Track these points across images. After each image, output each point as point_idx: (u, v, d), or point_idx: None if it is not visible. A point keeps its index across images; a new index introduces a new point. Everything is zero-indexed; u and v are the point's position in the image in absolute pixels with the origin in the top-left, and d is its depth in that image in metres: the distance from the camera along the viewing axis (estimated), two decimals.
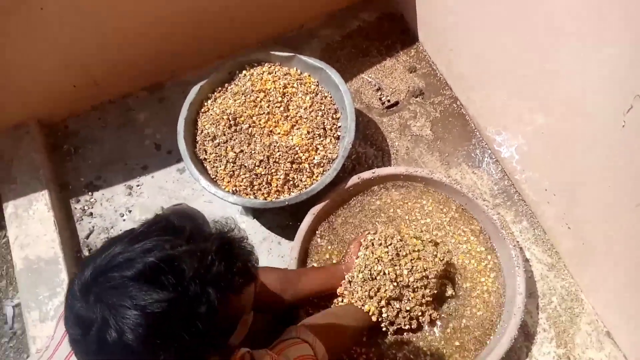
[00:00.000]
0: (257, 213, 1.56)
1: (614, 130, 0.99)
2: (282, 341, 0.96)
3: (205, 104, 1.50)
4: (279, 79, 1.49)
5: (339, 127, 1.47)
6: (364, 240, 1.28)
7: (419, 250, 1.25)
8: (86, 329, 0.57)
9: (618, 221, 1.13)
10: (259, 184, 1.38)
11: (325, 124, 1.45)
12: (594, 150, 1.09)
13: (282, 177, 1.37)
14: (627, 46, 0.89)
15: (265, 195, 1.38)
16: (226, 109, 1.44)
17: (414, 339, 1.26)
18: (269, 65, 1.53)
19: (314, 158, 1.41)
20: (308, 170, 1.41)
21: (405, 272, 1.21)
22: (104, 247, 0.62)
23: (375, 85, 1.72)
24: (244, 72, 1.52)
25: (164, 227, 0.63)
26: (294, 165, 1.39)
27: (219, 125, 1.42)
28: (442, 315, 1.28)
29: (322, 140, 1.44)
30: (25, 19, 1.34)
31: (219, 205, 1.57)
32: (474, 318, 1.28)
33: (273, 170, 1.37)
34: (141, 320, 0.55)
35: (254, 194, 1.39)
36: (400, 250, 1.24)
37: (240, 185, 1.39)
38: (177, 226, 0.63)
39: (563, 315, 1.37)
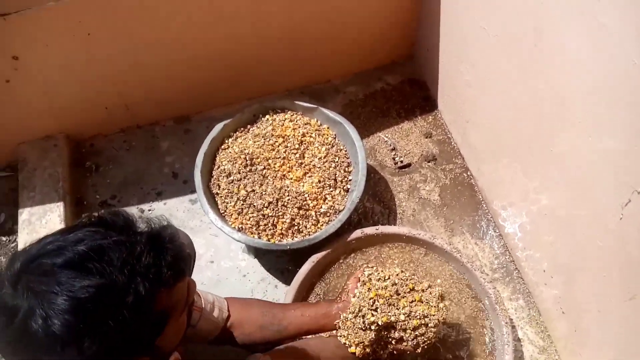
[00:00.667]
0: (259, 253, 1.59)
1: (612, 221, 1.02)
2: None
3: (226, 141, 1.56)
4: (299, 127, 1.56)
5: (350, 180, 1.52)
6: (362, 275, 1.18)
7: (422, 291, 1.14)
8: (11, 318, 0.57)
9: (611, 312, 1.13)
10: (265, 225, 1.42)
11: (337, 175, 1.50)
12: (593, 238, 1.11)
13: (288, 221, 1.41)
14: (628, 141, 0.93)
15: (269, 237, 1.42)
16: (245, 149, 1.51)
17: None
18: (292, 113, 1.60)
19: (321, 207, 1.46)
20: (314, 218, 1.45)
21: (402, 317, 1.09)
22: (37, 241, 0.63)
23: (390, 145, 1.78)
24: (267, 116, 1.59)
25: (96, 221, 0.65)
26: (301, 211, 1.43)
27: (235, 163, 1.48)
28: None
29: (331, 191, 1.48)
30: (72, 42, 1.44)
31: (223, 240, 1.61)
32: None
33: (280, 213, 1.42)
34: (69, 305, 0.56)
35: (259, 234, 1.42)
36: (400, 287, 1.13)
37: (247, 224, 1.43)
38: (109, 220, 0.65)
39: None
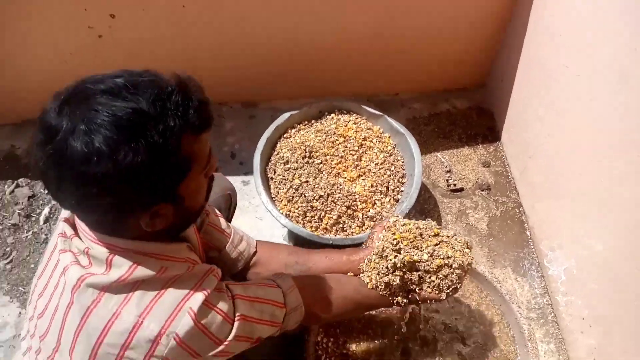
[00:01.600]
0: (299, 243, 1.61)
1: None
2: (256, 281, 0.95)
3: (289, 131, 1.61)
4: (362, 130, 1.59)
5: (402, 191, 1.53)
6: (387, 222, 1.12)
7: (449, 237, 1.07)
8: (51, 136, 0.63)
9: None
10: (312, 216, 1.45)
11: (390, 183, 1.51)
12: None
13: (334, 217, 1.44)
14: None
15: (314, 229, 1.45)
16: (306, 141, 1.55)
17: None
18: (357, 116, 1.63)
19: (369, 210, 1.47)
20: (360, 219, 1.47)
21: (425, 256, 1.02)
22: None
23: (446, 167, 1.78)
24: (333, 115, 1.63)
25: (131, 70, 0.69)
26: (348, 211, 1.45)
27: (295, 152, 1.52)
28: None
29: (381, 197, 1.50)
30: (167, 10, 1.53)
31: (268, 224, 1.65)
32: None
33: (329, 209, 1.44)
34: (108, 122, 0.62)
35: (304, 224, 1.46)
36: (424, 232, 1.08)
37: (295, 212, 1.46)
38: (143, 70, 0.70)
39: None
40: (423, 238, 1.07)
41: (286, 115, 1.60)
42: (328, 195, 1.45)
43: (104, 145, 0.61)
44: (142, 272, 0.74)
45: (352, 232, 1.45)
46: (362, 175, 1.54)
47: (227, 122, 1.89)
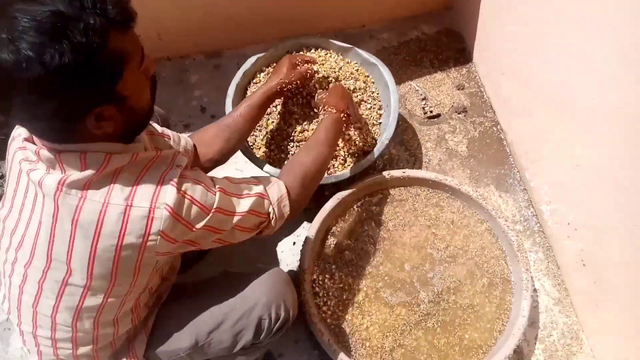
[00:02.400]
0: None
1: None
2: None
3: (258, 76, 1.56)
4: (333, 65, 1.54)
5: (380, 123, 1.51)
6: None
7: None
8: None
9: (636, 267, 1.13)
10: None
11: (368, 116, 1.49)
12: (628, 189, 1.11)
13: None
14: None
15: None
16: None
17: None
18: (326, 52, 1.58)
19: (350, 148, 1.46)
20: (342, 157, 1.45)
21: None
22: None
23: (421, 95, 1.77)
24: (301, 53, 1.57)
25: None
26: None
27: None
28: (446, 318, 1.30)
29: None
30: None
31: (249, 174, 1.62)
32: (474, 329, 1.29)
33: None
34: (29, 25, 0.62)
35: None
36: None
37: (274, 157, 1.44)
38: None
39: (560, 351, 1.37)
40: None
41: (253, 59, 1.54)
42: (305, 138, 1.43)
43: (30, 50, 0.62)
44: (117, 160, 0.77)
45: (335, 170, 1.44)
46: None
47: (192, 75, 1.82)
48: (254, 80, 1.55)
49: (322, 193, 1.50)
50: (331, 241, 1.41)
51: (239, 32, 1.78)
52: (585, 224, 1.31)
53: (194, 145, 1.14)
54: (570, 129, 1.29)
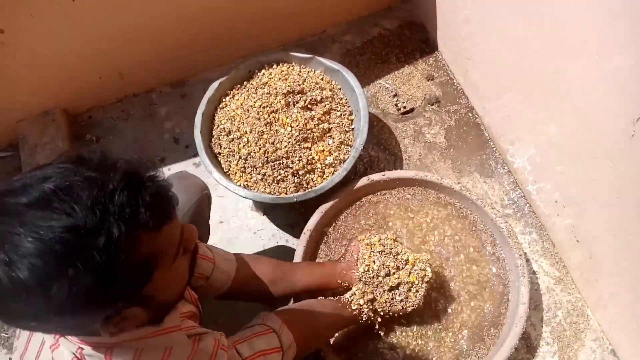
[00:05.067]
0: (267, 209, 1.58)
1: (623, 140, 0.99)
2: (248, 328, 0.95)
3: (224, 100, 1.53)
4: (297, 78, 1.52)
5: (352, 129, 1.49)
6: (368, 239, 1.24)
7: (420, 260, 1.20)
8: None
9: (626, 235, 1.11)
10: (271, 180, 1.40)
11: (340, 124, 1.47)
12: (604, 160, 1.09)
13: (292, 174, 1.40)
14: (635, 55, 0.89)
15: (275, 192, 1.41)
16: (243, 105, 1.48)
17: (409, 342, 1.26)
18: (288, 66, 1.56)
19: (326, 158, 1.43)
20: (320, 170, 1.43)
21: (412, 278, 1.18)
22: (6, 181, 0.58)
23: (392, 92, 1.74)
24: (263, 71, 1.55)
25: (70, 159, 0.59)
26: (307, 166, 1.41)
27: (234, 121, 1.46)
28: (442, 321, 1.28)
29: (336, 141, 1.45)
30: (57, 10, 1.40)
31: (230, 200, 1.61)
32: (475, 325, 1.27)
33: (284, 169, 1.40)
34: (33, 248, 0.51)
35: (264, 189, 1.41)
36: (399, 253, 1.21)
37: (251, 180, 1.42)
38: (84, 157, 0.59)
39: (567, 330, 1.35)
40: (398, 258, 1.20)
41: (215, 84, 1.52)
42: (279, 157, 1.40)
43: (32, 279, 0.51)
44: (148, 359, 0.68)
45: (315, 184, 1.42)
46: (309, 124, 1.48)
47: (160, 108, 1.79)
48: (220, 105, 1.53)
49: (309, 210, 1.46)
50: (322, 255, 1.39)
51: (199, 57, 1.75)
52: (570, 200, 1.29)
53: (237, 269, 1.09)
54: (540, 108, 1.27)
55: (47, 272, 0.51)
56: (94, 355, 0.66)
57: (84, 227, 0.52)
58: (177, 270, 0.68)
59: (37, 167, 0.59)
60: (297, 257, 1.33)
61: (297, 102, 1.48)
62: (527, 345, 1.34)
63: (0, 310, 0.56)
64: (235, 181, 1.43)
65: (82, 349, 0.66)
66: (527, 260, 1.41)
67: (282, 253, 1.52)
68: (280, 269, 1.15)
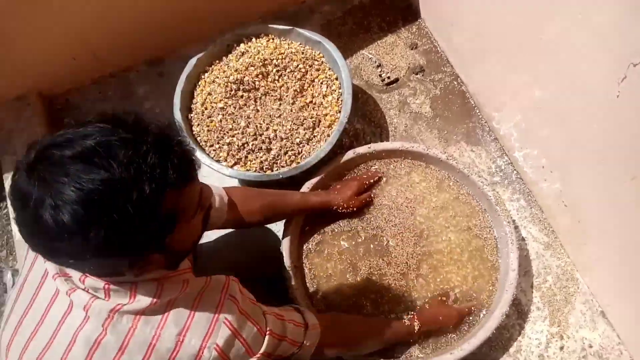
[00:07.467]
0: (251, 185, 1.56)
1: (607, 101, 0.97)
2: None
3: (203, 76, 1.49)
4: (278, 50, 1.48)
5: (338, 99, 1.45)
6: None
7: None
8: (25, 203, 0.61)
9: (612, 197, 1.11)
10: (255, 157, 1.38)
11: (329, 98, 1.44)
12: (589, 122, 1.07)
13: (276, 150, 1.37)
14: (618, 14, 0.87)
15: (259, 169, 1.38)
16: (222, 81, 1.44)
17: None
18: (267, 38, 1.52)
19: (311, 132, 1.41)
20: (305, 144, 1.40)
21: None
22: (52, 134, 0.65)
23: (375, 62, 1.71)
24: (242, 44, 1.51)
25: (107, 119, 0.65)
26: (291, 140, 1.38)
27: (214, 97, 1.42)
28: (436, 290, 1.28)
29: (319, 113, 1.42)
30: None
31: (215, 180, 1.57)
32: (465, 294, 1.27)
33: (266, 145, 1.37)
34: (76, 196, 0.58)
35: (249, 167, 1.39)
36: None
37: (235, 158, 1.39)
38: (120, 117, 0.66)
39: (558, 295, 1.36)
40: None
41: (193, 60, 1.47)
42: (262, 133, 1.37)
43: (73, 223, 0.59)
44: (169, 291, 0.77)
45: (300, 160, 1.39)
46: (296, 97, 1.45)
47: (139, 88, 1.74)
48: (199, 83, 1.49)
49: (296, 186, 1.44)
50: (309, 234, 1.38)
51: (175, 33, 1.69)
52: (557, 165, 1.28)
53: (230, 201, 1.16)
54: (524, 71, 1.25)
55: (87, 218, 0.59)
56: (120, 290, 0.74)
57: (120, 182, 0.60)
58: (195, 224, 0.76)
59: (78, 123, 0.65)
60: (285, 236, 1.31)
61: (279, 75, 1.45)
62: (518, 311, 1.35)
63: (45, 248, 0.64)
64: (219, 160, 1.40)
65: (110, 284, 0.73)
66: (516, 227, 1.41)
67: (269, 231, 1.50)
68: (270, 195, 1.24)
